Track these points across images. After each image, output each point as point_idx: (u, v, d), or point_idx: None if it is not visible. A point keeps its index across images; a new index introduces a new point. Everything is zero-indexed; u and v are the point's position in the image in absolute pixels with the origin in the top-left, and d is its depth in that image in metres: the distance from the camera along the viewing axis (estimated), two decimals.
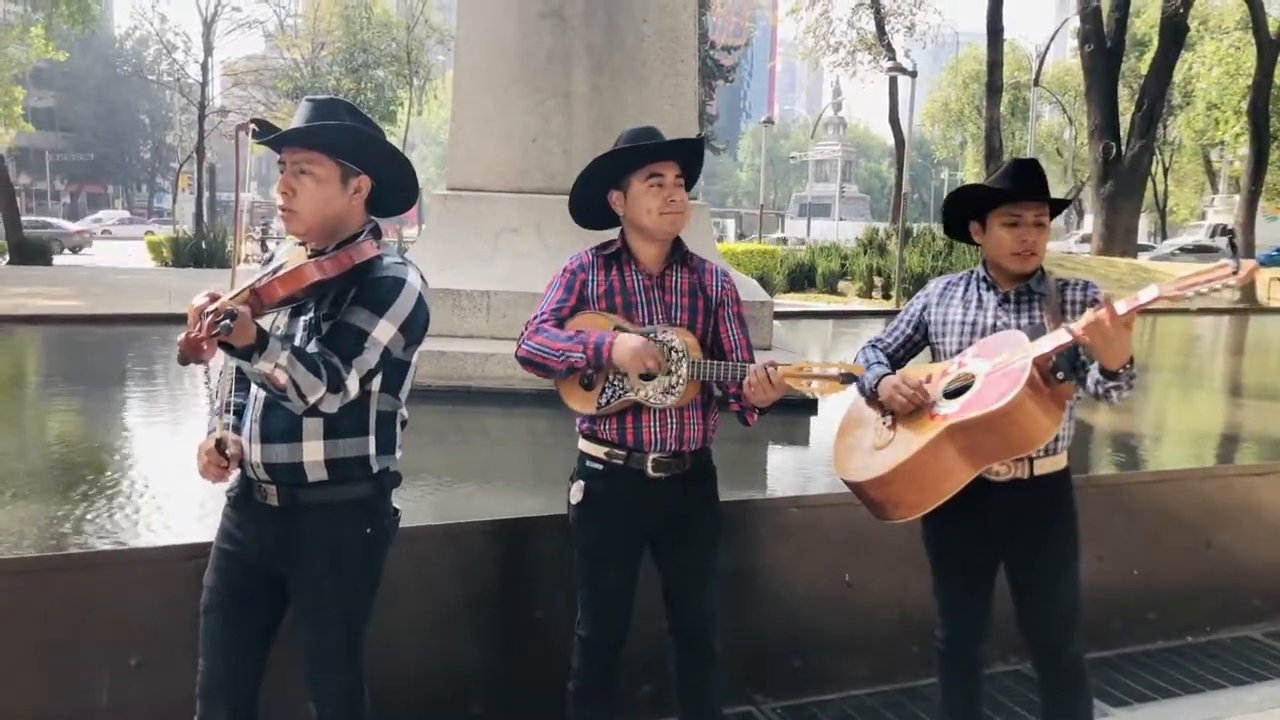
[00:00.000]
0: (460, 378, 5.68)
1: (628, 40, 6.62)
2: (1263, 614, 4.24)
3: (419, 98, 39.73)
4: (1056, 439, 2.53)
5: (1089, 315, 2.30)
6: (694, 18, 6.91)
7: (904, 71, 23.61)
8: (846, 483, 2.65)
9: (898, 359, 2.76)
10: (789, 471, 4.71)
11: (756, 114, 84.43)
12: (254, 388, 2.14)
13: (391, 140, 2.37)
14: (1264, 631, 4.19)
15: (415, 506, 3.83)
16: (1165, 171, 44.57)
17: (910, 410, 2.53)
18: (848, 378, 2.42)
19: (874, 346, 2.78)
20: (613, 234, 2.67)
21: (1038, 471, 2.57)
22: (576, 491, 2.61)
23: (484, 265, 6.24)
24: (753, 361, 2.58)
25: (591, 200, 2.63)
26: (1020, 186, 2.55)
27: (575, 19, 6.55)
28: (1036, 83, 32.46)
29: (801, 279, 20.03)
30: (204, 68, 37.82)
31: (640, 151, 2.55)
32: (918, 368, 2.68)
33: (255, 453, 2.14)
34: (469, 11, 6.82)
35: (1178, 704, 3.59)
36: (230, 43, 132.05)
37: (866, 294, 19.32)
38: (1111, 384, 2.36)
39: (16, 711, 2.62)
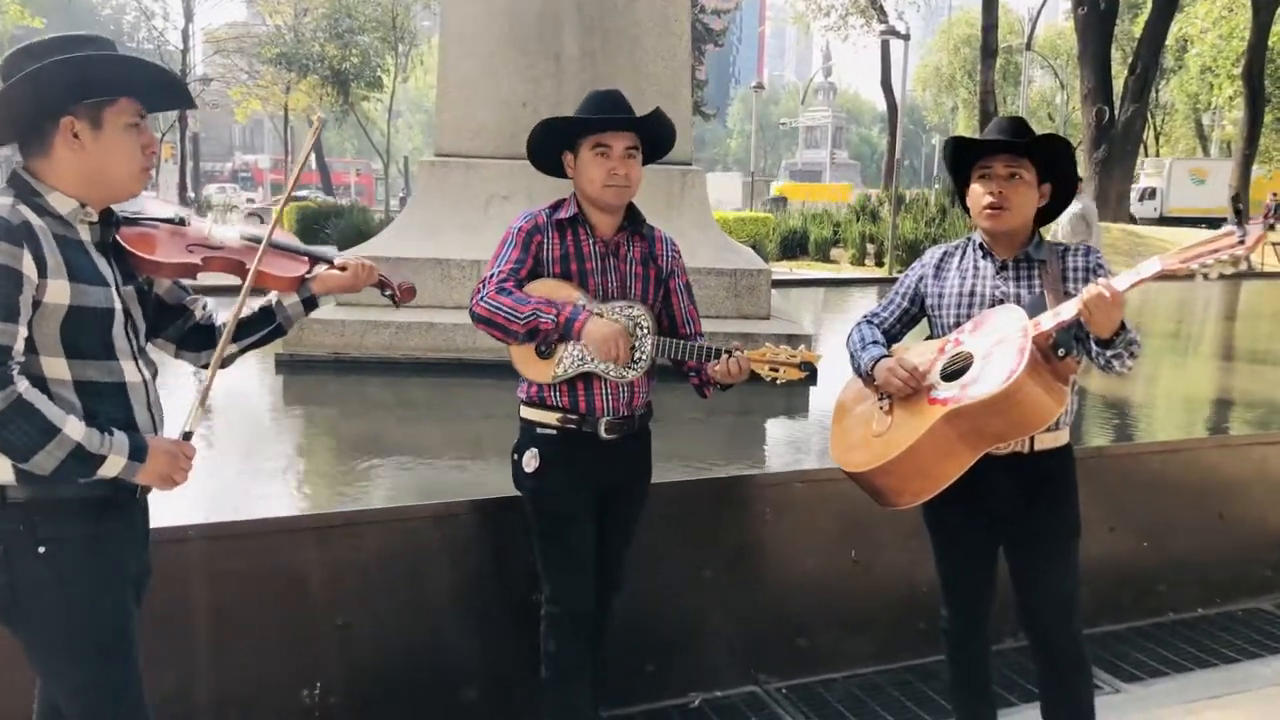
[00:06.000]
0: (451, 350, 5.55)
1: None
2: (1274, 585, 4.18)
3: (404, 64, 39.16)
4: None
5: (1090, 290, 2.17)
6: None
7: (897, 34, 23.28)
8: (847, 473, 2.56)
9: (894, 334, 2.66)
10: (791, 444, 4.61)
11: (746, 80, 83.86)
12: (132, 375, 1.90)
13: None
14: (1276, 603, 4.13)
15: (405, 484, 3.72)
16: (1157, 136, 44.39)
17: (907, 394, 2.43)
18: (806, 366, 2.48)
19: (870, 323, 2.66)
20: (563, 191, 2.62)
21: (1038, 447, 2.46)
22: (530, 460, 2.55)
23: (474, 234, 6.08)
24: (701, 331, 2.70)
25: (549, 153, 2.60)
26: (988, 135, 2.45)
27: None
28: (1029, 47, 32.17)
29: (794, 246, 19.94)
30: (185, 35, 37.16)
31: (584, 124, 2.51)
32: (918, 345, 2.56)
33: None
34: None
35: (1190, 678, 3.51)
36: (211, 9, 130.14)
37: (859, 261, 19.25)
38: (1110, 353, 2.26)
39: (23, 712, 2.50)
